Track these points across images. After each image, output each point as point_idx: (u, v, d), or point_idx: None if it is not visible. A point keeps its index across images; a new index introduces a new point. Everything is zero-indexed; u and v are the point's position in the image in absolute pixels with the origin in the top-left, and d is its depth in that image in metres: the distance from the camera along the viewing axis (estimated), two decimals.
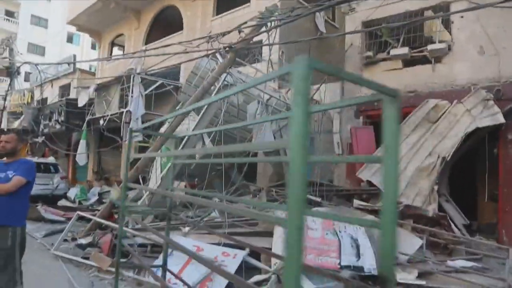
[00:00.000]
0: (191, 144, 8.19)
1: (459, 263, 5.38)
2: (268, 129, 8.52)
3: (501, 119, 6.47)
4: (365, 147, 8.32)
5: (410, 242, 5.44)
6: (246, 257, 4.86)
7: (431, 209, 6.61)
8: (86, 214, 6.67)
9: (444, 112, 7.30)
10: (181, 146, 8.16)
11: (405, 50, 7.97)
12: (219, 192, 9.27)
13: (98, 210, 9.32)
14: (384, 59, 8.47)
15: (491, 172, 6.89)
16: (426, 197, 6.86)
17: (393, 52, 8.16)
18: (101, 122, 12.62)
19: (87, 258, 5.36)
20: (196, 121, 8.04)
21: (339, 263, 4.62)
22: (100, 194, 11.76)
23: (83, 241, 6.23)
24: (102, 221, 6.13)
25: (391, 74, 8.25)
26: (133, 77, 11.78)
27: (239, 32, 6.07)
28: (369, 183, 7.45)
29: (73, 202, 11.00)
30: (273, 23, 5.83)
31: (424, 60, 8.05)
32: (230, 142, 9.95)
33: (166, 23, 15.24)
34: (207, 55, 6.77)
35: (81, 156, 13.06)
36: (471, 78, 7.24)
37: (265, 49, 10.61)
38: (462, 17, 7.44)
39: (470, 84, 7.23)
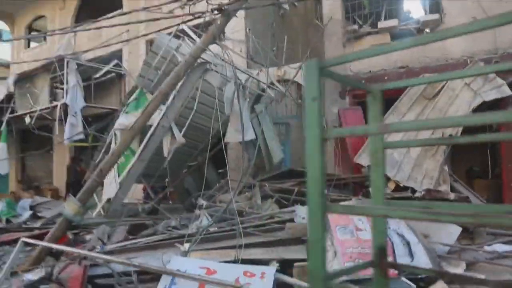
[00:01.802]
0: (157, 138, 6.74)
1: (498, 247, 4.84)
2: (246, 114, 7.34)
3: (508, 91, 6.14)
4: None
5: (447, 231, 4.78)
6: (277, 275, 3.74)
7: (443, 191, 6.09)
8: (31, 240, 4.92)
9: (442, 87, 6.84)
10: (144, 142, 6.67)
11: (394, 22, 7.36)
12: (193, 192, 7.88)
13: (37, 229, 7.41)
14: (369, 33, 7.79)
15: (492, 148, 6.58)
16: (434, 179, 6.34)
17: (381, 24, 7.51)
18: (27, 120, 10.29)
19: None
20: (163, 111, 6.60)
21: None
22: (32, 208, 9.56)
23: (31, 276, 4.53)
24: (61, 247, 4.50)
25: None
26: (67, 63, 9.71)
27: None
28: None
29: None
30: None
31: (410, 33, 7.53)
32: (199, 133, 8.60)
33: (100, 2, 13.08)
34: (182, 23, 5.38)
35: (2, 163, 10.56)
36: (465, 51, 6.86)
37: (228, 27, 9.38)
38: None
39: (466, 57, 6.85)
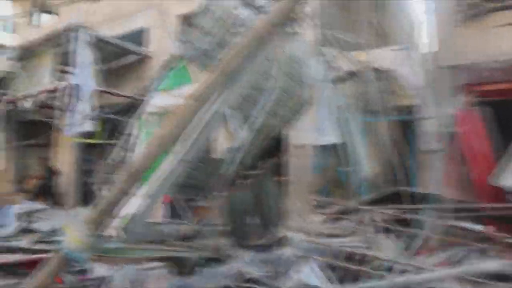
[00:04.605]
0: (210, 130, 4.47)
1: None
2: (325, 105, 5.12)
3: None
4: (476, 139, 5.48)
5: None
6: None
7: None
8: None
9: None
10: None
11: None
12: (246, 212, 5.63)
13: (22, 251, 5.25)
14: (495, 9, 5.70)
15: None
16: None
17: None
18: (26, 104, 8.16)
19: None
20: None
21: None
22: (21, 216, 7.35)
23: None
24: None
25: (508, 32, 5.53)
26: (78, 34, 7.66)
27: None
28: None
29: None
30: None
31: None
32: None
33: None
34: None
35: None
36: None
37: None
38: None
39: None
